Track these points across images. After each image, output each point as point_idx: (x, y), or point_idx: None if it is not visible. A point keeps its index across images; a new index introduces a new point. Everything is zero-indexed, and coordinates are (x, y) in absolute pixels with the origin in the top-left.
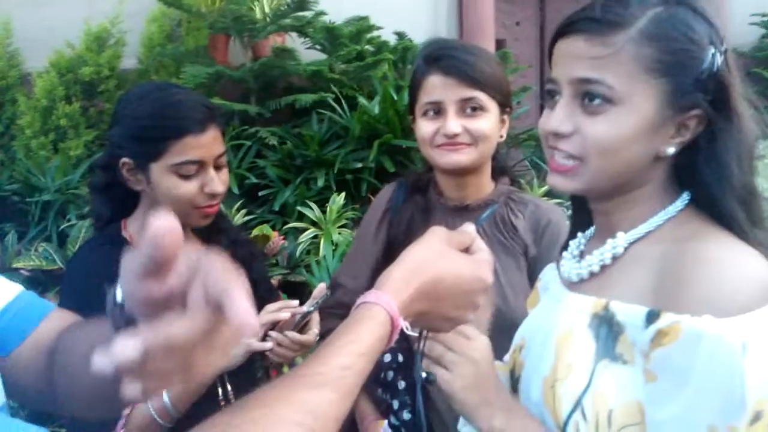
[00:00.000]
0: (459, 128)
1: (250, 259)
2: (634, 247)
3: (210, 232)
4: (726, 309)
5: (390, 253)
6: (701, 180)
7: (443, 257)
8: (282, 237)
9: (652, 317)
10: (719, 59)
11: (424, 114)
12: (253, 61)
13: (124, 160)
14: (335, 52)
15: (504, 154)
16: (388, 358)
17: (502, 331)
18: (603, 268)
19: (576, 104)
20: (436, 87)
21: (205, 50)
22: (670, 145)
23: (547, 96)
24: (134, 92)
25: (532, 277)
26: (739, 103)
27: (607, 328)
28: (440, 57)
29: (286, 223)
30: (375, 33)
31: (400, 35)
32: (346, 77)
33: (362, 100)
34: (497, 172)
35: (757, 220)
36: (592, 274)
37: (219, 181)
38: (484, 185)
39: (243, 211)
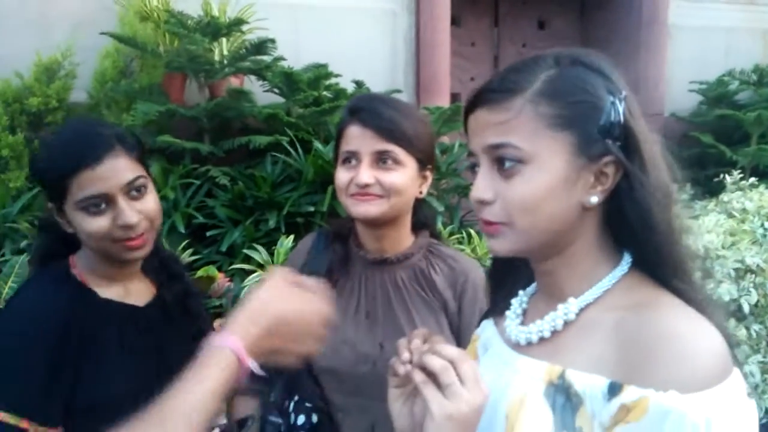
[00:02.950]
0: (370, 179)
1: (186, 295)
2: (586, 313)
3: (160, 269)
4: (689, 385)
5: None
6: (629, 229)
7: (284, 297)
8: (228, 279)
9: (614, 390)
10: (620, 106)
11: (343, 162)
12: (209, 101)
13: (48, 204)
14: (292, 96)
15: (427, 208)
16: (302, 419)
17: None
18: (554, 333)
19: (494, 171)
20: (354, 137)
21: (159, 88)
22: (592, 194)
23: (470, 169)
24: (54, 130)
25: (456, 334)
26: (646, 145)
27: (564, 398)
28: (361, 109)
29: (233, 264)
30: (333, 80)
31: (359, 83)
32: (303, 121)
33: (317, 144)
34: (417, 226)
35: (686, 272)
36: (542, 339)
37: (132, 211)
38: (403, 238)
39: (189, 251)
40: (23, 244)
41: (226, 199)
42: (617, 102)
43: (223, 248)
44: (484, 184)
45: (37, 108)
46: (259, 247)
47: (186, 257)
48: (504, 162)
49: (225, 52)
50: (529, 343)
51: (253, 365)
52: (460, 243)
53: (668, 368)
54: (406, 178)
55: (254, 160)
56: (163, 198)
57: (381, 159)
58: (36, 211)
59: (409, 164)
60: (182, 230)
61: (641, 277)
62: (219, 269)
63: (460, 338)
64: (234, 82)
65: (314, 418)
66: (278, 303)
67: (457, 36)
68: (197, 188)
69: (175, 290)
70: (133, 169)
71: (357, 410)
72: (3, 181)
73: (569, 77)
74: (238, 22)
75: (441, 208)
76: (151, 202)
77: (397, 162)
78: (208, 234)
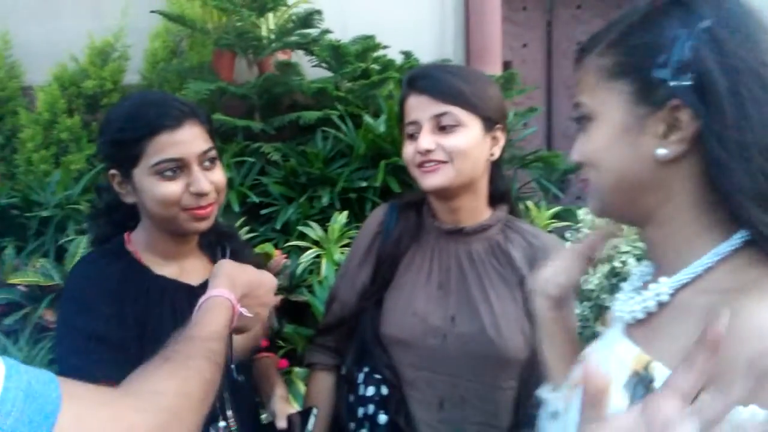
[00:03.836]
0: (431, 144)
1: (240, 247)
2: (682, 294)
3: (216, 245)
4: None
5: (378, 274)
6: (725, 191)
7: (245, 269)
8: (284, 256)
9: None
10: (690, 40)
11: (408, 136)
12: (258, 77)
13: (112, 172)
14: (340, 69)
15: (507, 177)
16: (371, 391)
17: (495, 362)
18: (650, 315)
19: (580, 130)
20: (413, 107)
21: (209, 66)
22: (664, 145)
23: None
24: (115, 103)
25: (533, 314)
26: (730, 84)
27: (644, 391)
28: (416, 78)
29: (289, 241)
30: (381, 52)
31: (407, 54)
32: (352, 95)
33: (367, 119)
34: (495, 199)
35: None
36: (638, 320)
37: (205, 180)
38: (479, 209)
39: (245, 229)
40: (86, 225)
41: (279, 177)
42: (687, 36)
43: (278, 226)
44: (575, 146)
45: (93, 91)
46: (314, 224)
47: (243, 236)
48: (580, 119)
49: (272, 27)
50: (636, 321)
51: (242, 310)
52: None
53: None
54: (469, 139)
55: (305, 136)
56: None
57: (441, 123)
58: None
59: (472, 124)
60: (237, 209)
61: (759, 257)
62: (275, 247)
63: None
64: (282, 57)
65: (383, 390)
66: (243, 272)
67: (508, 1)
68: (250, 166)
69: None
70: (207, 140)
71: (425, 384)
72: (64, 164)
73: (640, 19)
74: None
75: None
76: (220, 174)
77: (457, 123)
78: (262, 212)
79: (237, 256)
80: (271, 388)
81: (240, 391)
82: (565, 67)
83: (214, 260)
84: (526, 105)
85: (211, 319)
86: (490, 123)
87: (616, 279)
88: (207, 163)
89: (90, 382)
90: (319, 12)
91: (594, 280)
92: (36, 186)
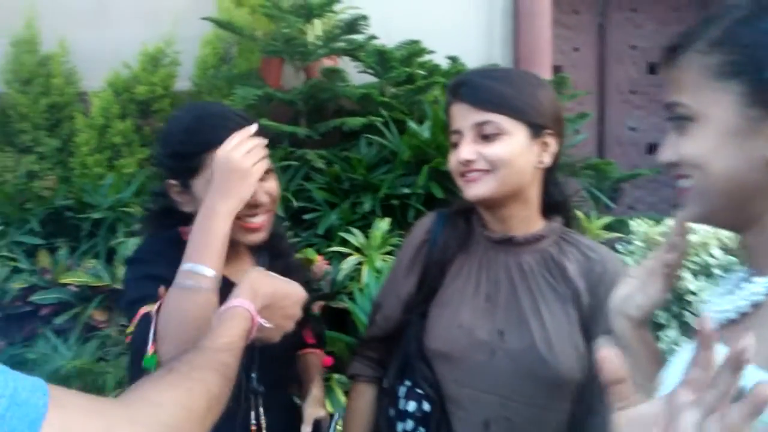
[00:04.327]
0: (471, 154)
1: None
2: None
3: (260, 247)
4: None
5: (423, 284)
6: None
7: (272, 280)
8: (326, 261)
9: None
10: None
11: (453, 145)
12: (304, 83)
13: (171, 182)
14: (386, 75)
15: (563, 186)
16: (412, 406)
17: (546, 382)
18: (743, 315)
19: (675, 131)
20: (456, 115)
21: (257, 73)
22: None
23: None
24: (174, 113)
25: (585, 327)
26: None
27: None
28: (458, 85)
29: (330, 247)
30: (427, 57)
31: (453, 59)
32: (397, 101)
33: (411, 124)
34: (549, 209)
35: None
36: (730, 321)
37: (262, 191)
38: (530, 219)
39: (288, 234)
40: (136, 227)
41: (322, 182)
42: None
43: (321, 231)
44: (665, 146)
45: (145, 96)
46: (355, 230)
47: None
48: (677, 119)
49: (318, 33)
50: (729, 321)
51: (262, 320)
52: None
53: None
54: (513, 147)
55: (350, 142)
56: None
57: (482, 131)
58: (149, 194)
59: (517, 132)
60: (281, 213)
61: None
62: (317, 252)
63: (589, 332)
64: (328, 63)
65: (425, 406)
66: (270, 283)
67: (559, 4)
68: (295, 171)
69: (275, 269)
70: (266, 151)
71: (470, 403)
72: (117, 167)
73: (748, 16)
74: (330, 2)
75: None
76: (274, 184)
77: (500, 132)
78: (305, 217)
79: (278, 260)
80: (308, 387)
81: (270, 395)
82: (619, 71)
83: (257, 262)
84: (577, 111)
85: (225, 330)
86: (537, 129)
87: (671, 295)
88: (263, 175)
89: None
90: (364, 17)
91: None
92: (89, 188)
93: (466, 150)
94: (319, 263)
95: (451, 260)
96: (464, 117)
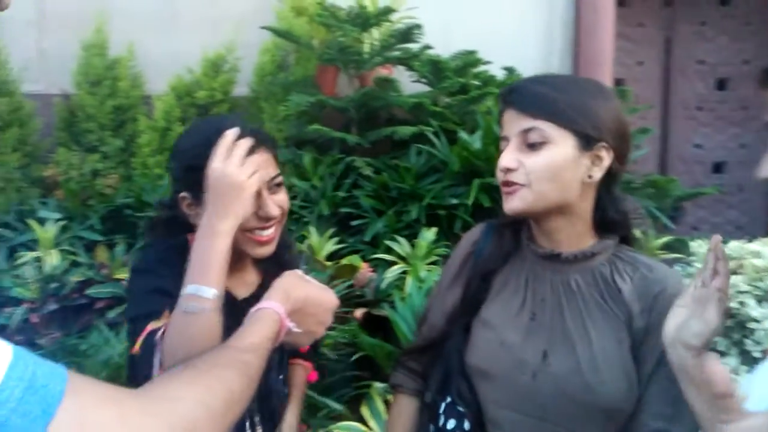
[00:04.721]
0: (511, 162)
1: (291, 258)
2: None
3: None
4: None
5: (467, 296)
6: None
7: (305, 284)
8: (371, 269)
9: None
10: None
11: (501, 153)
12: (356, 92)
13: (183, 194)
14: (439, 84)
15: (621, 203)
16: (452, 424)
17: (591, 409)
18: None
19: None
20: (505, 122)
21: (313, 80)
22: None
23: None
24: (188, 126)
25: (636, 353)
26: None
27: None
28: (509, 91)
29: (376, 254)
30: (483, 67)
31: (509, 70)
32: (449, 111)
33: (462, 134)
34: (603, 224)
35: None
36: None
37: (273, 204)
38: (580, 235)
39: (335, 239)
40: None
41: (370, 190)
42: None
43: (367, 238)
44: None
45: (205, 101)
46: (401, 239)
47: (331, 246)
48: None
49: (374, 42)
50: None
51: (290, 324)
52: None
53: None
54: (556, 157)
55: (399, 151)
56: (312, 187)
57: (528, 139)
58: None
59: (563, 141)
60: (328, 217)
61: None
62: (362, 259)
63: (639, 360)
64: (383, 72)
65: (465, 425)
66: (302, 287)
67: (623, 16)
68: (344, 178)
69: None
70: (275, 167)
71: (510, 426)
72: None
73: None
74: (386, 11)
75: None
76: (284, 196)
77: (544, 140)
78: (352, 223)
79: (282, 270)
80: (284, 408)
81: (270, 398)
82: (685, 86)
83: (263, 272)
84: (639, 126)
85: (253, 331)
86: (588, 140)
87: (731, 321)
88: (275, 188)
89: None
90: (419, 27)
91: None
92: (149, 188)
93: (508, 157)
94: (364, 270)
95: (495, 272)
96: (512, 123)
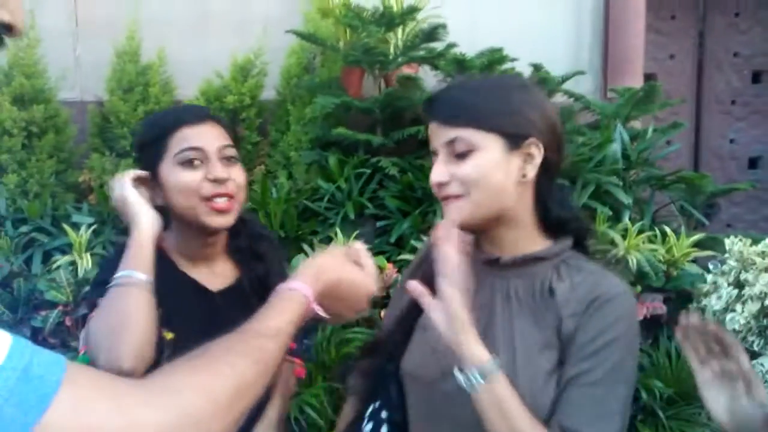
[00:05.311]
0: (442, 176)
1: (268, 277)
2: None
3: (247, 249)
4: None
5: (413, 302)
6: None
7: (343, 266)
8: (396, 270)
9: None
10: None
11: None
12: (381, 92)
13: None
14: None
15: (563, 199)
16: (368, 428)
17: None
18: None
19: None
20: (431, 135)
21: (338, 82)
22: None
23: None
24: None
25: (563, 357)
26: None
27: None
28: (429, 101)
29: (402, 254)
30: (510, 65)
31: (537, 67)
32: None
33: None
34: (554, 227)
35: None
36: None
37: (223, 168)
38: (524, 239)
39: (360, 241)
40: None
41: (395, 190)
42: None
43: (393, 239)
44: None
45: (233, 105)
46: (426, 239)
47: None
48: None
49: (399, 43)
50: None
51: (317, 308)
52: (652, 242)
53: None
54: (484, 163)
55: (424, 150)
56: (337, 188)
57: (454, 150)
58: None
59: (488, 145)
60: (353, 219)
61: None
62: (388, 260)
63: (562, 376)
64: (407, 72)
65: (383, 430)
66: (338, 269)
67: (654, 9)
68: (369, 179)
69: (255, 273)
70: (227, 138)
71: None
72: None
73: None
74: (411, 10)
75: (629, 201)
76: (240, 173)
77: (470, 148)
78: (378, 224)
79: (258, 264)
80: (271, 401)
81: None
82: (719, 80)
83: (241, 265)
84: (670, 121)
85: (274, 313)
86: (515, 139)
87: (767, 320)
88: (226, 160)
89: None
90: (444, 26)
91: (740, 320)
92: None
93: (437, 172)
94: (389, 271)
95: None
96: (436, 135)
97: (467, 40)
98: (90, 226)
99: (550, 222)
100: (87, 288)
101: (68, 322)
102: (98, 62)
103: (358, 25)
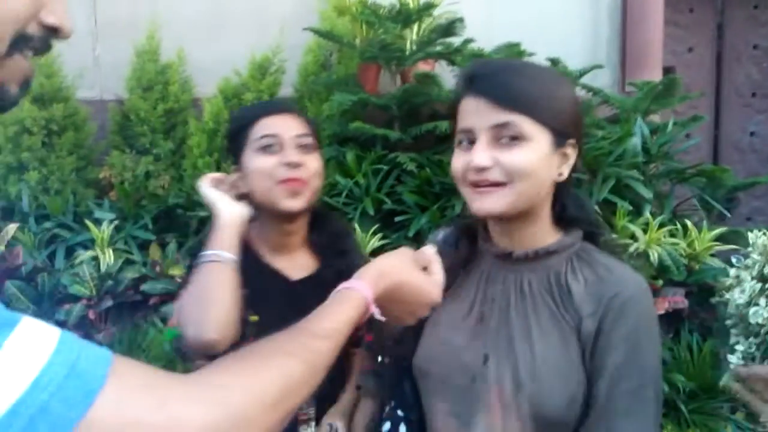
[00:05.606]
0: (487, 161)
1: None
2: None
3: (328, 246)
4: None
5: None
6: None
7: (408, 269)
8: None
9: None
10: None
11: (458, 144)
12: (398, 88)
13: (234, 167)
14: None
15: (578, 198)
16: (386, 427)
17: (529, 419)
18: None
19: None
20: (469, 111)
21: (355, 79)
22: None
23: None
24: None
25: (588, 364)
26: None
27: None
28: (476, 77)
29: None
30: (527, 59)
31: (554, 61)
32: None
33: None
34: (564, 221)
35: None
36: None
37: (297, 154)
38: (539, 234)
39: (378, 236)
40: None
41: (413, 185)
42: None
43: (411, 234)
44: None
45: (251, 102)
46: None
47: (375, 242)
48: None
49: (415, 38)
50: None
51: (375, 310)
52: (673, 236)
53: None
54: (535, 156)
55: (441, 146)
56: (355, 184)
57: (501, 135)
58: None
59: (540, 138)
60: (372, 214)
61: None
62: None
63: (593, 371)
64: (424, 68)
65: (402, 429)
66: (403, 272)
67: (672, 2)
68: (387, 174)
69: (337, 267)
70: (305, 128)
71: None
72: (224, 169)
73: None
74: (428, 6)
75: (649, 195)
76: (315, 161)
77: (521, 137)
78: (396, 219)
79: (339, 259)
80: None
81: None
82: (739, 73)
83: (321, 258)
84: (689, 114)
85: (332, 314)
86: (561, 137)
87: None
88: (303, 148)
89: None
90: (461, 20)
91: (764, 313)
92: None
93: (482, 155)
94: None
95: (452, 278)
96: (481, 115)
97: (484, 35)
98: (111, 221)
99: (564, 218)
100: (110, 282)
101: (91, 316)
102: (118, 61)
103: (375, 22)
